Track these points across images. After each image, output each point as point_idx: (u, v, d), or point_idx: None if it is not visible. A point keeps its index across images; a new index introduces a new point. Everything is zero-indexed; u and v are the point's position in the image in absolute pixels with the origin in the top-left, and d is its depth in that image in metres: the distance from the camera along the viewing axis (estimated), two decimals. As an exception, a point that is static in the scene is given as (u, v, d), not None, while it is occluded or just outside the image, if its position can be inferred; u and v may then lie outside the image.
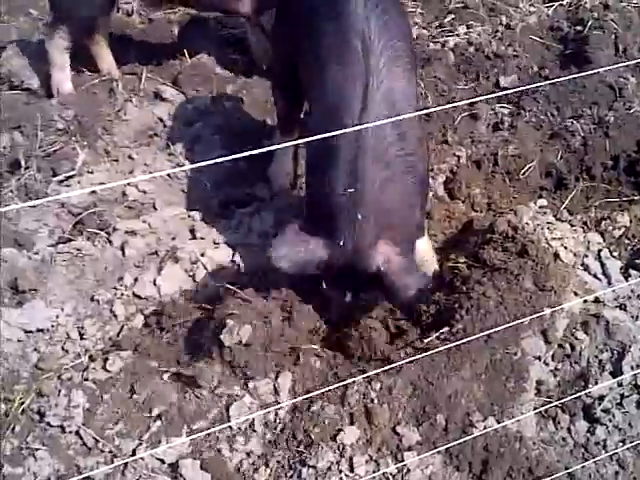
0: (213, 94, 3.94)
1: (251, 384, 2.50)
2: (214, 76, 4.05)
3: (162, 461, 2.40)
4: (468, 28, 4.25)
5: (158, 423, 2.48)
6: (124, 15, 4.46)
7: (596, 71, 3.30)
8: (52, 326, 2.75)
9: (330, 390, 2.44)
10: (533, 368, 2.58)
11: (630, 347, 2.63)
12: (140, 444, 2.44)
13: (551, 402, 2.55)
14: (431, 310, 2.74)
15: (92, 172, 3.41)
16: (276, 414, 2.48)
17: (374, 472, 2.36)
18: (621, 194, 3.35)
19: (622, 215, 3.13)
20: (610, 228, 3.08)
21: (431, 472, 2.37)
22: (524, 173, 3.46)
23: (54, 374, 2.60)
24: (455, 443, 2.38)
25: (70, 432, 2.45)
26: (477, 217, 3.23)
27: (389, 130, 2.46)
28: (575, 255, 2.92)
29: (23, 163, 3.34)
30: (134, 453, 2.41)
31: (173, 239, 3.09)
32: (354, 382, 2.46)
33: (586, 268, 2.91)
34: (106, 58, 3.94)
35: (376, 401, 2.45)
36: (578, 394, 2.55)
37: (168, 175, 3.46)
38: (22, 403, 2.51)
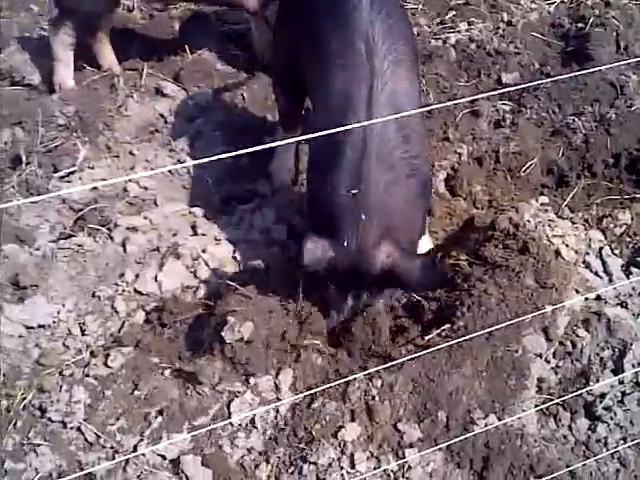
0: (214, 90, 3.93)
1: (252, 381, 2.51)
2: (215, 72, 4.04)
3: (163, 457, 2.40)
4: (469, 25, 4.24)
5: (159, 419, 2.48)
6: (125, 11, 4.44)
7: (598, 69, 3.30)
8: (53, 322, 2.75)
9: (331, 387, 2.44)
10: (534, 365, 2.58)
11: (631, 345, 2.63)
12: (141, 440, 2.44)
13: (552, 399, 2.55)
14: (432, 307, 2.75)
15: (93, 168, 3.40)
16: (277, 411, 2.48)
17: (375, 469, 2.36)
18: (622, 192, 3.35)
19: (623, 213, 3.13)
20: (611, 226, 3.08)
21: (432, 469, 2.38)
22: (525, 170, 3.45)
23: (55, 370, 2.61)
24: (456, 440, 2.38)
25: (71, 428, 2.46)
26: (478, 214, 3.22)
27: (393, 132, 2.48)
28: (576, 252, 2.92)
29: (24, 159, 3.33)
30: (135, 449, 2.41)
31: (174, 235, 3.09)
32: (355, 379, 2.47)
33: (587, 266, 2.91)
34: (107, 55, 3.93)
35: (377, 398, 2.45)
36: (579, 392, 2.55)
37: (169, 171, 3.46)
38: (24, 399, 2.51)
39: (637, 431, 2.49)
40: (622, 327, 2.69)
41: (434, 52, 4.03)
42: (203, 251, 2.96)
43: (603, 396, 2.56)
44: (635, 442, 2.47)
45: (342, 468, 2.35)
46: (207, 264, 2.92)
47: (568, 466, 2.41)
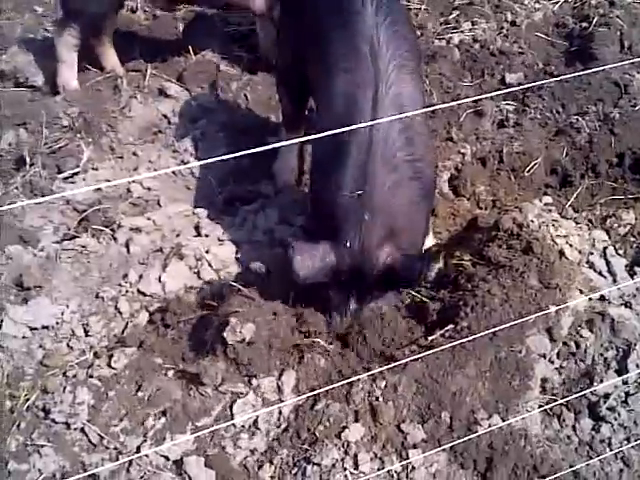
0: (218, 91, 3.93)
1: (255, 382, 2.51)
2: (219, 73, 4.04)
3: (167, 458, 2.40)
4: (473, 25, 4.24)
5: (162, 420, 2.49)
6: (129, 12, 4.45)
7: (602, 68, 3.29)
8: (57, 323, 2.75)
9: (335, 388, 2.44)
10: (538, 366, 2.58)
11: (635, 345, 2.62)
12: (144, 441, 2.44)
13: (556, 400, 2.54)
14: (436, 307, 2.74)
15: (97, 169, 3.41)
16: (280, 412, 2.48)
17: (379, 469, 2.35)
18: (626, 191, 3.33)
19: (627, 212, 3.12)
20: (615, 225, 3.07)
21: (436, 470, 2.37)
22: (529, 170, 3.45)
23: (59, 371, 2.61)
24: (460, 441, 2.37)
25: (75, 429, 2.46)
26: (482, 214, 3.22)
27: (397, 134, 2.48)
28: (580, 253, 2.91)
29: (28, 160, 3.34)
30: (138, 450, 2.41)
31: (178, 236, 3.09)
32: (359, 380, 2.46)
33: (591, 266, 2.90)
34: (110, 56, 3.94)
35: (381, 399, 2.45)
36: (583, 392, 2.54)
37: (173, 172, 3.47)
38: (27, 400, 2.52)
39: (641, 431, 2.49)
40: (626, 327, 2.68)
41: (438, 52, 4.03)
42: (206, 252, 2.96)
43: (607, 396, 2.55)
44: (639, 442, 2.46)
45: (346, 469, 2.34)
46: (210, 265, 2.92)
47: (572, 466, 2.41)
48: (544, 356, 2.61)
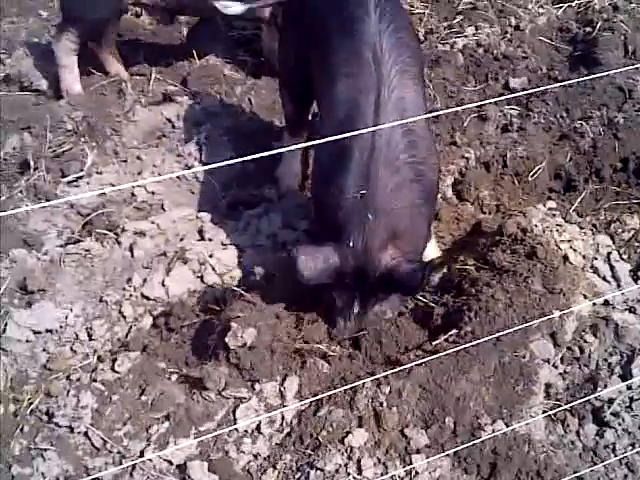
0: (222, 95, 3.94)
1: (258, 386, 2.51)
2: (223, 77, 4.04)
3: (170, 462, 2.41)
4: (477, 29, 4.23)
5: (166, 424, 2.49)
6: (133, 16, 4.46)
7: (606, 74, 3.29)
8: (61, 327, 2.76)
9: (338, 393, 2.44)
10: (542, 371, 2.57)
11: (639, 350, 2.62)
12: (148, 445, 2.44)
13: (560, 405, 2.54)
14: (440, 312, 2.74)
15: (101, 173, 3.42)
16: (283, 417, 2.48)
17: (382, 475, 2.35)
18: (631, 196, 3.33)
19: (632, 217, 3.11)
20: (619, 230, 3.06)
21: (439, 475, 2.36)
22: (533, 175, 3.44)
23: (63, 375, 2.62)
24: (464, 446, 2.37)
25: (78, 433, 2.47)
26: (486, 219, 3.22)
27: (400, 137, 2.49)
28: (584, 257, 2.90)
29: (32, 164, 3.35)
30: (142, 454, 2.42)
31: (181, 240, 3.10)
32: (362, 385, 2.46)
33: (595, 271, 2.89)
34: (114, 61, 3.95)
35: (385, 404, 2.44)
36: (587, 397, 2.54)
37: (177, 176, 3.47)
38: (31, 403, 2.53)
39: (645, 437, 2.48)
40: (630, 332, 2.68)
41: (442, 57, 4.03)
42: (210, 256, 2.96)
43: (611, 402, 2.54)
44: (643, 448, 2.45)
45: (349, 474, 2.34)
46: (214, 269, 2.93)
47: (576, 472, 2.40)
48: (548, 361, 2.61)
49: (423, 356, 2.51)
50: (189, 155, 3.59)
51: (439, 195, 3.31)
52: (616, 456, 2.44)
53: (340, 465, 2.35)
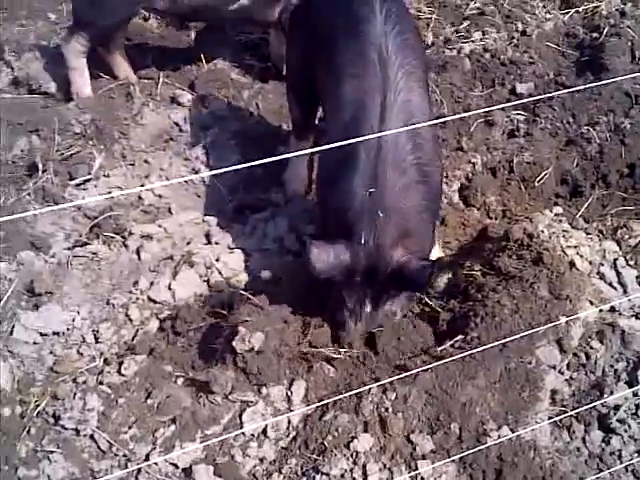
0: (229, 99, 3.95)
1: (264, 391, 2.51)
2: (230, 81, 4.06)
3: (176, 466, 2.41)
4: (484, 34, 4.24)
5: (172, 428, 2.49)
6: (141, 20, 4.47)
7: (613, 80, 3.29)
8: (68, 329, 2.76)
9: (344, 398, 2.44)
10: (548, 377, 2.57)
11: (646, 357, 2.63)
12: (154, 448, 2.45)
13: (566, 411, 2.53)
14: (446, 318, 2.74)
15: (108, 176, 3.42)
16: (289, 421, 2.48)
17: (387, 480, 2.35)
18: (637, 202, 3.33)
19: (638, 223, 3.11)
20: (626, 236, 3.06)
21: (445, 480, 2.37)
22: (540, 180, 3.44)
23: (69, 377, 2.62)
24: (469, 452, 2.37)
25: (84, 435, 2.47)
26: (492, 224, 3.22)
27: (406, 139, 2.50)
28: (591, 263, 2.90)
29: (40, 166, 3.35)
30: (148, 457, 2.42)
31: (188, 244, 3.11)
32: (369, 390, 2.46)
33: (602, 277, 2.89)
34: (122, 65, 3.96)
35: (390, 409, 2.44)
36: (593, 404, 2.54)
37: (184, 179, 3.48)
38: (37, 406, 2.53)
39: (651, 444, 2.48)
40: (636, 339, 2.68)
41: (448, 62, 4.03)
42: (217, 260, 2.97)
43: (617, 408, 2.54)
44: (650, 455, 2.45)
45: (354, 479, 2.34)
46: (220, 273, 2.93)
47: (582, 479, 2.40)
48: (554, 367, 2.61)
49: (429, 361, 2.51)
50: (196, 159, 3.60)
51: (445, 200, 3.33)
52: (622, 463, 2.44)
53: (345, 470, 2.36)
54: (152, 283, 2.90)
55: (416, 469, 2.36)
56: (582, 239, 3.00)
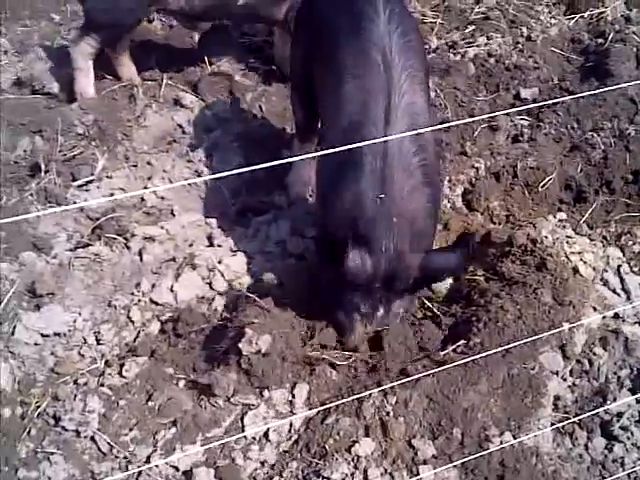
0: (232, 101, 3.94)
1: (266, 394, 2.50)
2: (234, 83, 4.05)
3: (176, 468, 2.40)
4: (488, 39, 4.24)
5: (173, 430, 2.48)
6: (145, 21, 4.46)
7: (619, 86, 3.28)
8: (69, 330, 2.75)
9: (346, 402, 2.43)
10: (551, 383, 2.56)
11: (649, 364, 2.62)
12: (154, 451, 2.44)
13: (568, 418, 2.53)
14: (448, 323, 2.73)
15: (111, 177, 3.42)
16: (291, 424, 2.48)
17: (389, 485, 2.34)
18: (641, 208, 3.33)
19: (642, 230, 3.11)
20: (630, 243, 3.06)
21: (446, 486, 2.36)
22: (543, 186, 3.43)
23: (70, 378, 2.61)
24: (471, 457, 2.36)
25: (85, 437, 2.46)
26: (495, 229, 3.21)
27: (411, 142, 2.49)
28: (594, 270, 2.90)
29: (43, 167, 3.35)
30: (148, 460, 2.41)
31: (190, 246, 3.10)
32: (370, 394, 2.45)
33: (605, 283, 2.89)
34: (127, 66, 3.95)
35: (392, 414, 2.44)
36: (596, 410, 2.53)
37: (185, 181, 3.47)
38: (38, 407, 2.52)
39: (654, 452, 2.47)
40: (640, 346, 2.67)
41: (453, 66, 4.03)
42: (219, 262, 2.96)
43: (620, 415, 2.54)
44: (652, 463, 2.44)
45: (355, 484, 2.33)
46: (223, 275, 2.92)
47: (584, 486, 2.39)
48: (557, 373, 2.60)
49: (431, 366, 2.50)
50: (199, 161, 3.60)
51: (449, 205, 3.33)
52: (624, 470, 2.44)
53: (346, 474, 2.34)
54: (154, 285, 2.90)
55: (417, 474, 2.35)
56: (586, 245, 3.00)
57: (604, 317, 2.74)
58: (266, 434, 2.46)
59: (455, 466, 2.37)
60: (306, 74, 3.00)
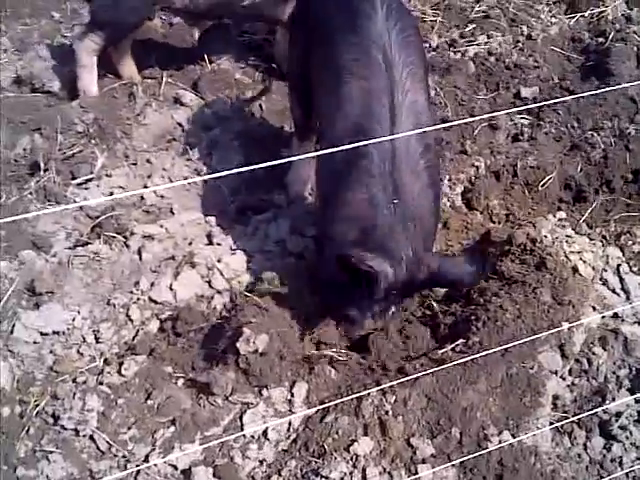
0: (232, 100, 3.94)
1: (265, 392, 2.50)
2: (234, 82, 4.05)
3: (175, 467, 2.40)
4: (489, 38, 4.23)
5: (172, 429, 2.48)
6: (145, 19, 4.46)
7: (620, 86, 3.28)
8: (68, 329, 2.75)
9: (345, 401, 2.43)
10: (550, 383, 2.56)
11: (648, 363, 2.62)
12: (153, 449, 2.44)
13: (567, 417, 2.53)
14: (447, 322, 2.73)
15: (111, 175, 3.41)
16: (289, 423, 2.48)
17: (387, 484, 2.34)
18: (641, 208, 3.32)
19: (642, 229, 3.11)
20: (630, 242, 3.05)
21: (445, 485, 2.36)
22: (543, 185, 3.43)
23: (69, 377, 2.61)
24: (470, 457, 2.36)
25: (84, 436, 2.46)
26: (495, 228, 3.21)
27: (417, 143, 2.48)
28: (594, 269, 2.90)
29: (42, 165, 3.34)
30: (147, 458, 2.41)
31: (190, 244, 3.09)
32: (369, 393, 2.45)
33: (605, 283, 2.88)
34: (127, 64, 3.95)
35: (391, 413, 2.44)
36: (595, 410, 2.53)
37: (185, 179, 3.47)
38: (37, 405, 2.52)
39: (653, 451, 2.47)
40: (639, 346, 2.67)
41: (453, 65, 4.02)
42: (218, 261, 2.96)
43: (619, 415, 2.53)
44: (651, 462, 2.44)
45: (354, 483, 2.34)
46: (222, 274, 2.92)
47: (583, 485, 2.39)
48: (556, 373, 2.60)
49: (430, 365, 2.50)
50: (198, 159, 3.60)
51: (448, 203, 3.32)
52: (623, 470, 2.44)
53: (345, 473, 2.35)
54: (153, 283, 2.89)
55: (416, 473, 2.35)
56: (585, 245, 2.99)
57: (603, 317, 2.74)
58: (265, 433, 2.46)
59: (454, 465, 2.37)
60: (303, 73, 2.99)
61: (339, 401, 2.42)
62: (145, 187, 3.37)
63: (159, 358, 2.64)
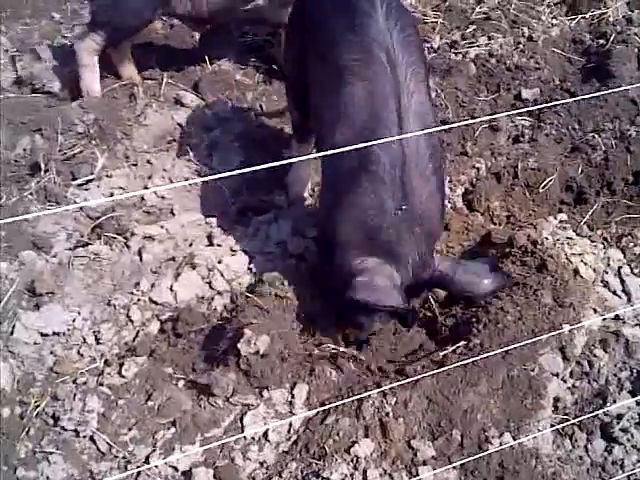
0: (233, 101, 3.94)
1: (266, 394, 2.50)
2: (234, 83, 4.05)
3: (175, 469, 2.40)
4: (490, 39, 4.22)
5: (172, 430, 2.48)
6: (146, 20, 4.46)
7: (621, 88, 3.27)
8: (68, 330, 2.75)
9: (345, 403, 2.43)
10: (551, 385, 2.56)
11: (650, 366, 2.61)
12: (153, 451, 2.44)
13: (568, 420, 2.52)
14: (448, 324, 2.73)
15: (111, 176, 3.41)
16: (290, 425, 2.47)
17: (388, 486, 2.34)
18: (642, 210, 3.32)
19: (643, 231, 3.10)
20: (631, 244, 3.05)
21: (446, 487, 2.36)
22: (544, 187, 3.43)
23: (69, 378, 2.61)
24: (470, 459, 2.36)
25: (84, 437, 2.46)
26: (496, 230, 3.20)
27: (425, 146, 2.46)
28: (595, 271, 2.89)
29: (43, 166, 3.34)
30: (147, 460, 2.41)
31: (190, 245, 3.09)
32: (370, 395, 2.45)
33: (606, 285, 2.88)
34: (128, 65, 3.94)
35: (391, 414, 2.43)
36: (596, 412, 2.52)
37: (186, 180, 3.46)
38: (37, 406, 2.52)
39: (654, 454, 2.46)
40: (640, 348, 2.67)
41: (454, 66, 4.01)
42: (219, 262, 2.95)
43: (620, 417, 2.53)
44: (652, 464, 2.44)
45: (355, 484, 2.33)
46: (222, 275, 2.92)
47: (583, 488, 2.39)
48: (557, 375, 2.59)
49: (431, 367, 2.50)
50: (199, 160, 3.59)
51: (449, 205, 3.32)
52: (624, 472, 2.43)
53: (346, 475, 2.35)
54: (153, 284, 2.89)
55: (417, 475, 2.34)
56: (586, 246, 2.99)
57: (604, 319, 2.74)
58: (265, 434, 2.46)
59: (454, 467, 2.37)
60: (301, 74, 2.97)
61: (340, 403, 2.42)
62: (146, 188, 3.37)
63: (159, 359, 2.64)
